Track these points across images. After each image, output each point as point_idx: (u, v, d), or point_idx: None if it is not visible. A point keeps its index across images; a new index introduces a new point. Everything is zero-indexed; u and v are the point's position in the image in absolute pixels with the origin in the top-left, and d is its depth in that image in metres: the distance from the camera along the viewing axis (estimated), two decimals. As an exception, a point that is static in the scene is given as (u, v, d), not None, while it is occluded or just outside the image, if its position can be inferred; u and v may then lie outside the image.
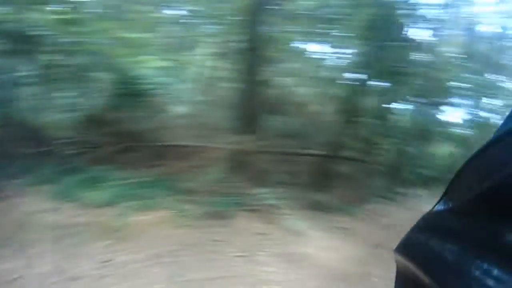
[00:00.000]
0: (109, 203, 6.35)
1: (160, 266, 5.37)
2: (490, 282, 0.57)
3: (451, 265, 0.68)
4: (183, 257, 5.73)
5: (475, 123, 21.37)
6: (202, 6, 14.08)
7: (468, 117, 20.36)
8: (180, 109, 12.63)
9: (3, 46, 8.38)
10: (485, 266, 0.59)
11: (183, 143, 9.57)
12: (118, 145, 8.48)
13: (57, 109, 9.80)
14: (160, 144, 9.36)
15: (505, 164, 0.65)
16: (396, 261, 0.94)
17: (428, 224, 0.90)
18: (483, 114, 23.05)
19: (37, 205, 6.50)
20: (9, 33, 7.89)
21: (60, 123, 9.59)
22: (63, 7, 8.50)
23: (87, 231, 5.57)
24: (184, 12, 17.84)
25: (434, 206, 0.90)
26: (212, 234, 6.74)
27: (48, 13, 8.15)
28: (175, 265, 5.49)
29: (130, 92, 9.11)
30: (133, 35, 9.27)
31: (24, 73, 9.63)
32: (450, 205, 0.83)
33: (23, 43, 8.14)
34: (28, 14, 7.73)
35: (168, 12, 22.50)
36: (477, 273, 0.60)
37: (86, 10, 9.15)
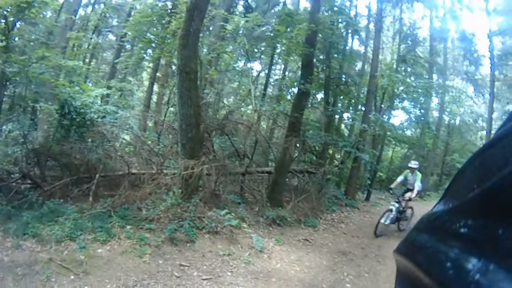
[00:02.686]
0: (69, 237, 6.08)
1: (131, 297, 5.21)
2: (490, 282, 0.57)
3: (451, 265, 0.68)
4: (152, 285, 5.56)
5: (423, 124, 22.38)
6: (137, 31, 13.93)
7: (415, 118, 21.28)
8: (127, 137, 12.41)
9: None
10: (485, 266, 0.60)
11: (133, 171, 9.39)
12: (69, 178, 8.20)
13: (1, 143, 9.42)
14: (111, 174, 9.14)
15: (505, 164, 0.66)
16: (397, 262, 0.95)
17: (428, 225, 0.91)
18: (429, 114, 24.15)
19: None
20: None
21: (7, 157, 9.24)
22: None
23: (51, 267, 5.31)
24: (122, 37, 17.81)
25: (434, 206, 0.92)
26: (177, 260, 6.60)
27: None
28: (146, 295, 5.35)
29: (75, 123, 8.87)
30: (73, 63, 9.01)
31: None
32: (450, 205, 0.84)
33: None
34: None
35: (106, 37, 22.39)
36: (477, 273, 0.60)
37: (21, 36, 8.82)
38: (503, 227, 0.61)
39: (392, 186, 12.05)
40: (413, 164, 12.15)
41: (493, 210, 0.66)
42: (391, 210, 11.03)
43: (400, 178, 12.12)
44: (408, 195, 11.63)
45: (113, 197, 7.88)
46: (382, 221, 10.84)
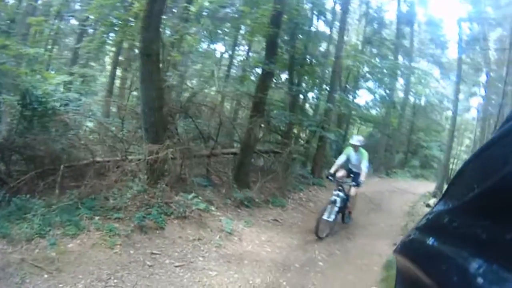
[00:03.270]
0: (38, 234, 5.90)
1: (106, 291, 5.15)
2: (493, 283, 0.58)
3: (451, 265, 0.69)
4: (125, 277, 5.50)
5: (388, 103, 22.81)
6: (99, 14, 13.55)
7: (380, 98, 21.68)
8: (91, 124, 12.14)
9: None
10: (488, 266, 0.60)
11: (98, 159, 9.19)
12: (34, 171, 7.94)
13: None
14: (76, 163, 8.93)
15: (504, 164, 0.66)
16: (397, 261, 0.96)
17: (429, 225, 0.91)
18: (394, 94, 24.65)
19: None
20: None
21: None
22: None
23: (24, 268, 5.16)
24: (82, 22, 17.25)
25: (434, 206, 0.92)
26: (147, 248, 6.53)
27: None
28: (120, 287, 5.30)
29: (37, 112, 8.56)
30: (34, 51, 8.69)
31: None
32: (450, 205, 0.84)
33: None
34: None
35: (68, 23, 21.61)
36: (479, 273, 0.60)
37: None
38: (506, 227, 0.61)
39: (332, 170, 9.62)
40: (356, 140, 9.68)
41: (494, 210, 0.67)
42: (334, 202, 8.85)
43: (341, 159, 9.81)
44: (353, 190, 9.48)
45: (79, 188, 7.69)
46: (324, 217, 8.61)
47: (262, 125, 12.77)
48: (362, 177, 9.24)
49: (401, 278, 0.93)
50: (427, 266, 0.76)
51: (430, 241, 0.81)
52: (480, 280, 0.60)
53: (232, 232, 8.05)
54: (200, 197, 8.46)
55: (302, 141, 17.62)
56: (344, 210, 9.74)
